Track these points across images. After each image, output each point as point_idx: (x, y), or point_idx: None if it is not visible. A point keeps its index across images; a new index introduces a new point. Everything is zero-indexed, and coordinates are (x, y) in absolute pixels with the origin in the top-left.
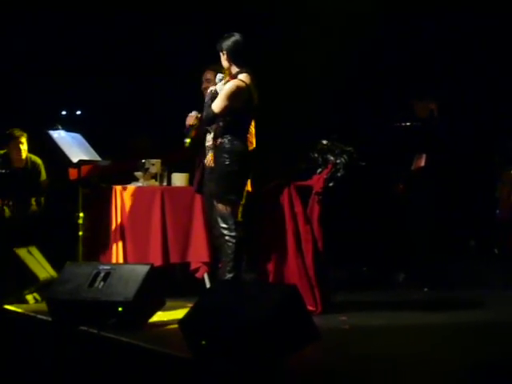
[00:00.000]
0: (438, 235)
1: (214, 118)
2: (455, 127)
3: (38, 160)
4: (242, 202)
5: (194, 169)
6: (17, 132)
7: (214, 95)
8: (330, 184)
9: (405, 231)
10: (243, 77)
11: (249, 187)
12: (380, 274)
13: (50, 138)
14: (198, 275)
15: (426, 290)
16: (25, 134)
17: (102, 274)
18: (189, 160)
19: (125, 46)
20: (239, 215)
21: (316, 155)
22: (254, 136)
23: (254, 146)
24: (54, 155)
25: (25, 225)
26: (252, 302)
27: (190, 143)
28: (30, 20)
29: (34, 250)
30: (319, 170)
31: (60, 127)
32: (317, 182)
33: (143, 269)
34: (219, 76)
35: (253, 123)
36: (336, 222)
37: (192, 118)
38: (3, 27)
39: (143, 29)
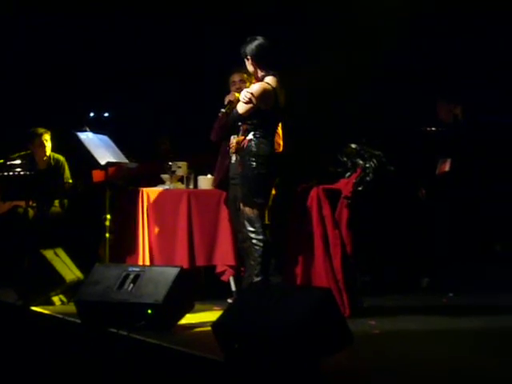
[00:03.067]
0: (462, 240)
1: (238, 118)
2: (480, 131)
3: (62, 158)
4: (269, 204)
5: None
6: (40, 129)
7: None
8: (359, 188)
9: (429, 236)
10: (269, 79)
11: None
12: (404, 279)
13: (78, 140)
14: (223, 278)
15: (450, 294)
16: (48, 132)
17: (131, 276)
18: (215, 163)
19: (152, 49)
20: (266, 218)
21: (345, 159)
22: (281, 138)
23: (282, 148)
24: (80, 157)
25: (49, 226)
26: (286, 304)
27: (224, 112)
28: (61, 21)
29: (61, 252)
30: (348, 174)
31: (88, 129)
32: (346, 185)
33: (173, 271)
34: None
35: (281, 125)
36: (363, 226)
37: (233, 95)
38: (35, 27)
39: (169, 31)
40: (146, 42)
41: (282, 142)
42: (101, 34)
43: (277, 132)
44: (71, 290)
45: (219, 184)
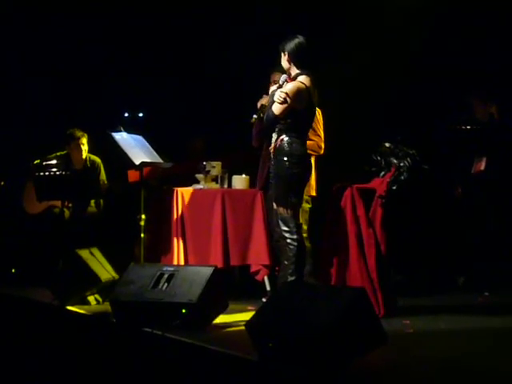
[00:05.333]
0: (499, 238)
1: (275, 119)
2: None
3: (98, 159)
4: (310, 206)
5: (255, 171)
6: (78, 133)
7: None
8: (394, 187)
9: (465, 234)
10: (303, 79)
11: (313, 192)
12: (441, 278)
13: (113, 140)
14: (258, 278)
15: (486, 293)
16: (85, 135)
17: (165, 276)
18: (249, 162)
19: (187, 49)
20: (300, 218)
21: (379, 158)
22: (323, 140)
23: (323, 151)
24: (115, 157)
25: (85, 226)
26: (320, 304)
27: (256, 119)
28: (94, 21)
29: (96, 251)
30: (382, 173)
31: (122, 129)
32: (380, 185)
33: (207, 271)
34: (283, 77)
35: (322, 127)
36: (398, 225)
37: (265, 99)
38: (69, 29)
39: (204, 31)
40: (180, 41)
41: (323, 145)
42: (137, 32)
43: (318, 135)
44: (106, 290)
45: (263, 187)
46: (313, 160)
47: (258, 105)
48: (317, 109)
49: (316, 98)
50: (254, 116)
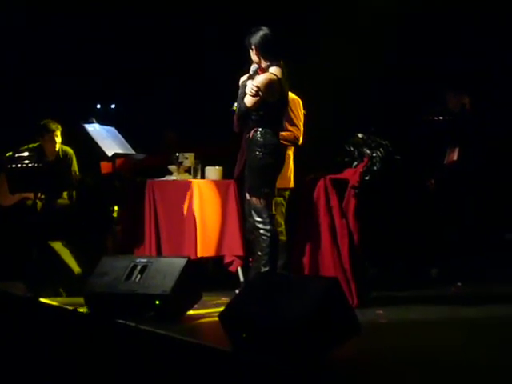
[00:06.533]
0: (471, 229)
1: (247, 111)
2: (488, 121)
3: (70, 150)
4: (285, 200)
5: (228, 162)
6: (52, 125)
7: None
8: (366, 178)
9: (437, 226)
10: (274, 70)
11: (291, 184)
12: (414, 269)
13: (85, 132)
14: (231, 269)
15: (459, 284)
16: (60, 127)
17: (139, 267)
18: (222, 153)
19: (160, 44)
20: (276, 211)
21: (352, 148)
22: (301, 131)
23: (301, 141)
24: (88, 148)
25: (57, 218)
26: (293, 295)
27: (236, 107)
28: (70, 17)
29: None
30: (355, 164)
31: (95, 120)
32: (353, 175)
33: (180, 262)
34: (253, 67)
35: (301, 118)
36: (371, 215)
37: (245, 76)
38: (45, 22)
39: (177, 27)
40: (153, 37)
41: (301, 137)
42: (110, 28)
43: (296, 125)
44: (79, 282)
45: (239, 177)
46: (290, 151)
47: (240, 81)
48: (297, 99)
49: (287, 89)
50: (235, 104)
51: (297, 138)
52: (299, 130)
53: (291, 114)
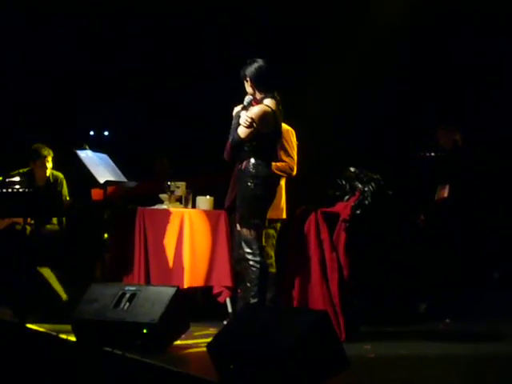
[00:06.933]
0: (460, 266)
1: (241, 142)
2: (480, 158)
3: (61, 175)
4: (276, 232)
5: (220, 192)
6: (44, 150)
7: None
8: (358, 211)
9: (426, 261)
10: (268, 102)
11: (284, 215)
12: (402, 304)
13: (78, 158)
14: (220, 299)
15: (447, 320)
16: (51, 153)
17: (127, 295)
18: (213, 184)
19: (151, 71)
20: (266, 243)
21: (344, 182)
22: (295, 162)
23: (295, 172)
24: (79, 175)
25: (46, 244)
26: (282, 327)
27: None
28: (66, 39)
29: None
30: (346, 197)
31: (87, 147)
32: (344, 209)
33: (169, 291)
34: (247, 98)
35: (295, 148)
36: (361, 249)
37: (239, 107)
38: (40, 45)
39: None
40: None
41: (295, 167)
42: (105, 54)
43: (291, 156)
44: (66, 308)
45: (230, 207)
46: (283, 182)
47: (234, 112)
48: (290, 130)
49: (281, 121)
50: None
51: (291, 169)
52: (294, 160)
53: (285, 145)
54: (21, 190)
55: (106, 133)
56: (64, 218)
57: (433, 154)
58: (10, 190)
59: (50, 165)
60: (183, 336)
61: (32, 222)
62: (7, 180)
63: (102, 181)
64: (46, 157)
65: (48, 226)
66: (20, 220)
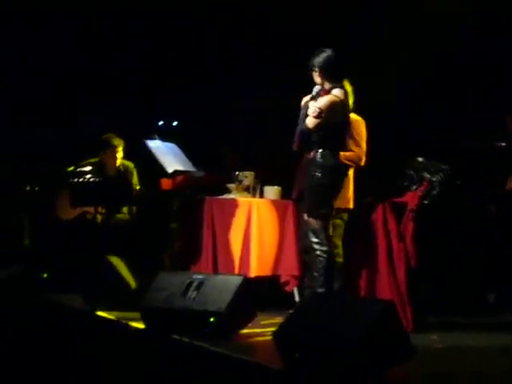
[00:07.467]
0: None
1: (309, 133)
2: None
3: (131, 164)
4: (344, 221)
5: (287, 182)
6: (115, 141)
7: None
8: (426, 201)
9: (496, 251)
10: (337, 92)
11: (351, 205)
12: (471, 294)
13: (147, 148)
14: (287, 289)
15: None
16: (122, 142)
17: (195, 284)
18: (281, 174)
19: (222, 56)
20: (333, 232)
21: (411, 172)
22: (364, 152)
23: (364, 162)
24: (148, 164)
25: (117, 233)
26: (348, 316)
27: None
28: (136, 30)
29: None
30: (414, 187)
31: (157, 137)
32: (412, 199)
33: (236, 280)
34: (316, 88)
35: (364, 138)
36: (429, 240)
37: (308, 97)
38: (116, 36)
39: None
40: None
41: (364, 157)
42: (175, 43)
43: (360, 145)
44: (136, 296)
45: (298, 197)
46: (351, 172)
47: (302, 102)
48: (360, 120)
49: (350, 111)
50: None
51: (360, 159)
52: (363, 150)
53: (355, 135)
54: (92, 179)
55: (175, 123)
56: (134, 207)
57: (503, 143)
58: (81, 180)
59: (120, 155)
60: (250, 325)
61: (103, 211)
62: (78, 170)
63: (170, 170)
64: (116, 147)
65: (118, 215)
66: (91, 209)
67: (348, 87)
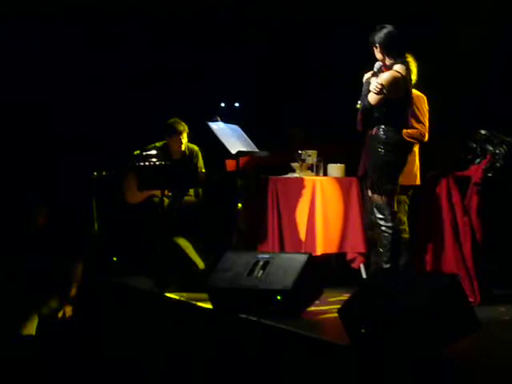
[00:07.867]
0: None
1: (371, 109)
2: None
3: (196, 147)
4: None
5: (351, 159)
6: (180, 127)
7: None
8: (489, 174)
9: None
10: (398, 67)
11: (418, 181)
12: None
13: (210, 130)
14: (354, 266)
15: None
16: (187, 128)
17: (260, 263)
18: (344, 151)
19: (282, 42)
20: (399, 208)
21: (474, 145)
22: (427, 128)
23: (427, 138)
24: (213, 147)
25: (184, 215)
26: (413, 290)
27: (360, 105)
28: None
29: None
30: (478, 161)
31: (219, 119)
32: (475, 172)
33: (302, 258)
34: (377, 65)
35: (427, 115)
36: (493, 213)
37: (369, 73)
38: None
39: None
40: (274, 35)
41: (427, 134)
42: (238, 27)
43: (422, 122)
44: (204, 277)
45: (363, 175)
46: (416, 148)
47: (364, 79)
48: (422, 96)
49: (412, 86)
50: (359, 102)
51: (423, 135)
52: (425, 126)
53: (416, 111)
54: (158, 163)
55: (237, 104)
56: (200, 190)
57: None
58: (148, 164)
59: (185, 140)
60: (317, 302)
61: (169, 194)
62: (144, 153)
63: (234, 151)
64: (181, 133)
65: (185, 198)
66: (158, 192)
67: (412, 62)
